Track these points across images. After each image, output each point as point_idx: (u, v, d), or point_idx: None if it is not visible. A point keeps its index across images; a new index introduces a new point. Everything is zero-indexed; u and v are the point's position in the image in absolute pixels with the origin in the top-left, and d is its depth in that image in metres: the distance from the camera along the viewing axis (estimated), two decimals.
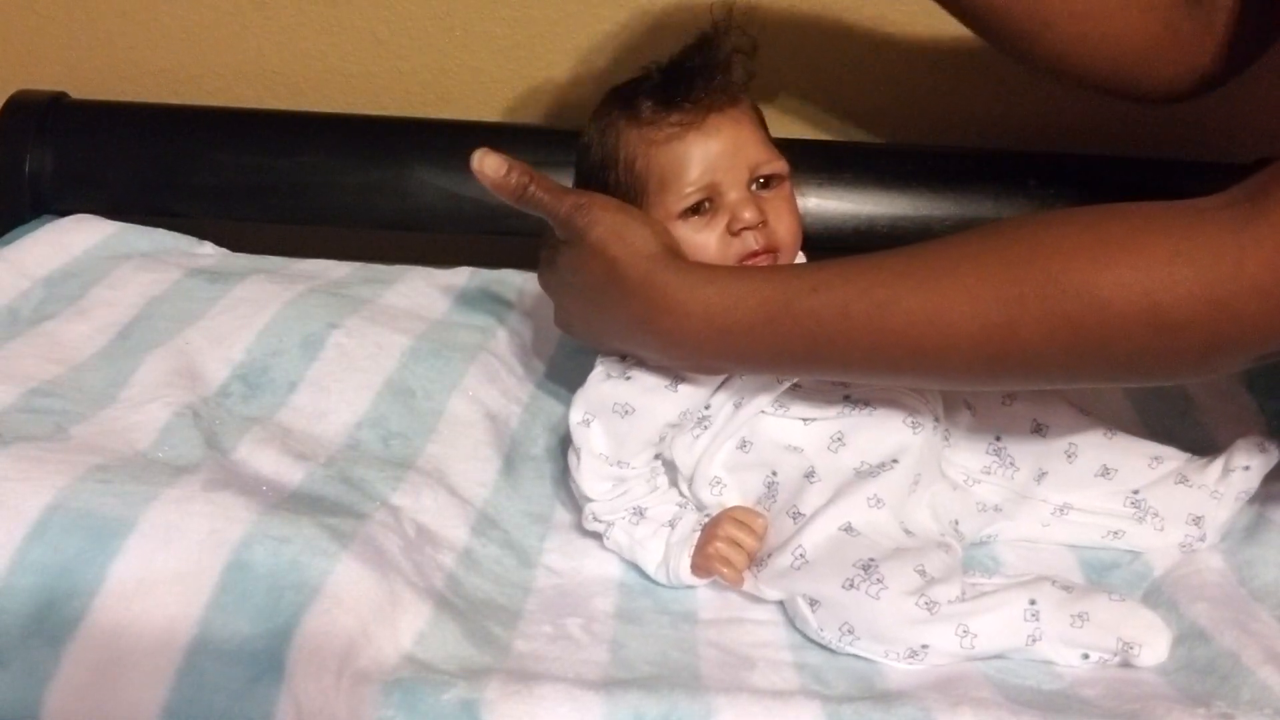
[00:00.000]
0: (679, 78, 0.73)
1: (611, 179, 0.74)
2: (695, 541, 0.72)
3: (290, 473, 0.73)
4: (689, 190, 0.72)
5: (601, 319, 0.71)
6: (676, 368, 0.71)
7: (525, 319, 0.98)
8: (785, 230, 0.74)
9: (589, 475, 0.73)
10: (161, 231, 1.07)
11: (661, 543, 0.72)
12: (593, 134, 0.76)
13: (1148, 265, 0.58)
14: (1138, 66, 0.82)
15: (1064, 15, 0.81)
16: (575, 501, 0.76)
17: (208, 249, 1.08)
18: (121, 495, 0.65)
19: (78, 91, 1.12)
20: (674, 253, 0.69)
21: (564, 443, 0.76)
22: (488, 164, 0.69)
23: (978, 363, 0.62)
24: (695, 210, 0.72)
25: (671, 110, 0.72)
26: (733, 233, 0.72)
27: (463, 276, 1.04)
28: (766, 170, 0.74)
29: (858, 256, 0.66)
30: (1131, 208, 0.61)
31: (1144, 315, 0.58)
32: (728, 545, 0.71)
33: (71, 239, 1.02)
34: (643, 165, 0.73)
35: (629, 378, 0.72)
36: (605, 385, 0.72)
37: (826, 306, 0.64)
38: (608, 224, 0.68)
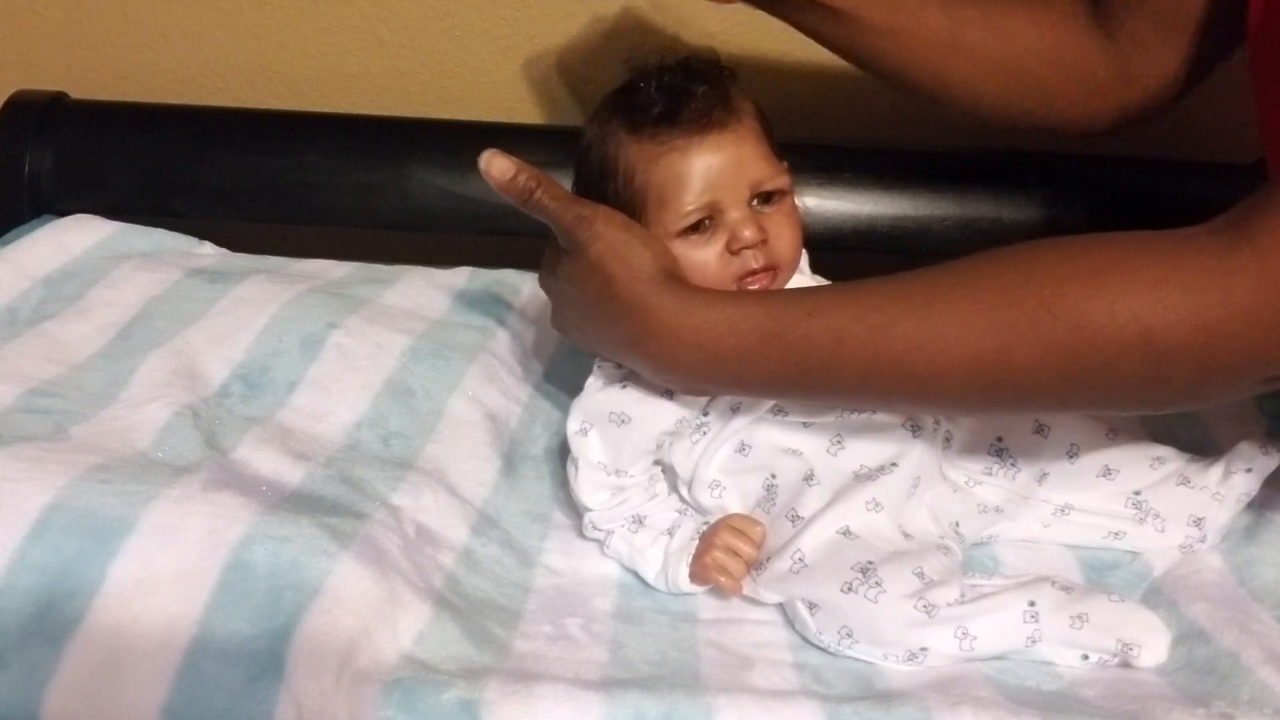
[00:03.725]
0: (680, 93, 0.71)
1: (611, 189, 0.73)
2: (694, 550, 0.72)
3: (290, 473, 0.73)
4: (689, 209, 0.71)
5: (596, 332, 0.71)
6: (668, 387, 0.70)
7: (525, 319, 0.98)
8: (786, 247, 0.73)
9: (587, 485, 0.73)
10: (161, 231, 1.07)
11: (661, 551, 0.72)
12: (592, 137, 0.75)
13: (1137, 290, 0.58)
14: (1051, 110, 0.84)
15: (964, 77, 0.83)
16: (575, 502, 0.76)
17: (208, 249, 1.08)
18: (121, 495, 0.65)
19: (78, 91, 1.12)
20: (672, 276, 0.68)
21: (564, 444, 0.76)
22: (495, 166, 0.68)
23: (971, 389, 0.62)
24: (695, 228, 0.71)
25: (673, 125, 0.71)
26: (732, 251, 0.71)
27: (463, 276, 1.04)
28: (768, 186, 0.72)
29: (853, 281, 0.66)
30: (1121, 235, 0.62)
31: (1136, 341, 0.58)
32: (725, 554, 0.71)
33: (71, 239, 1.02)
34: (642, 180, 0.72)
35: (625, 386, 0.72)
36: (601, 395, 0.72)
37: (820, 332, 0.64)
38: (608, 241, 0.68)
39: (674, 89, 0.72)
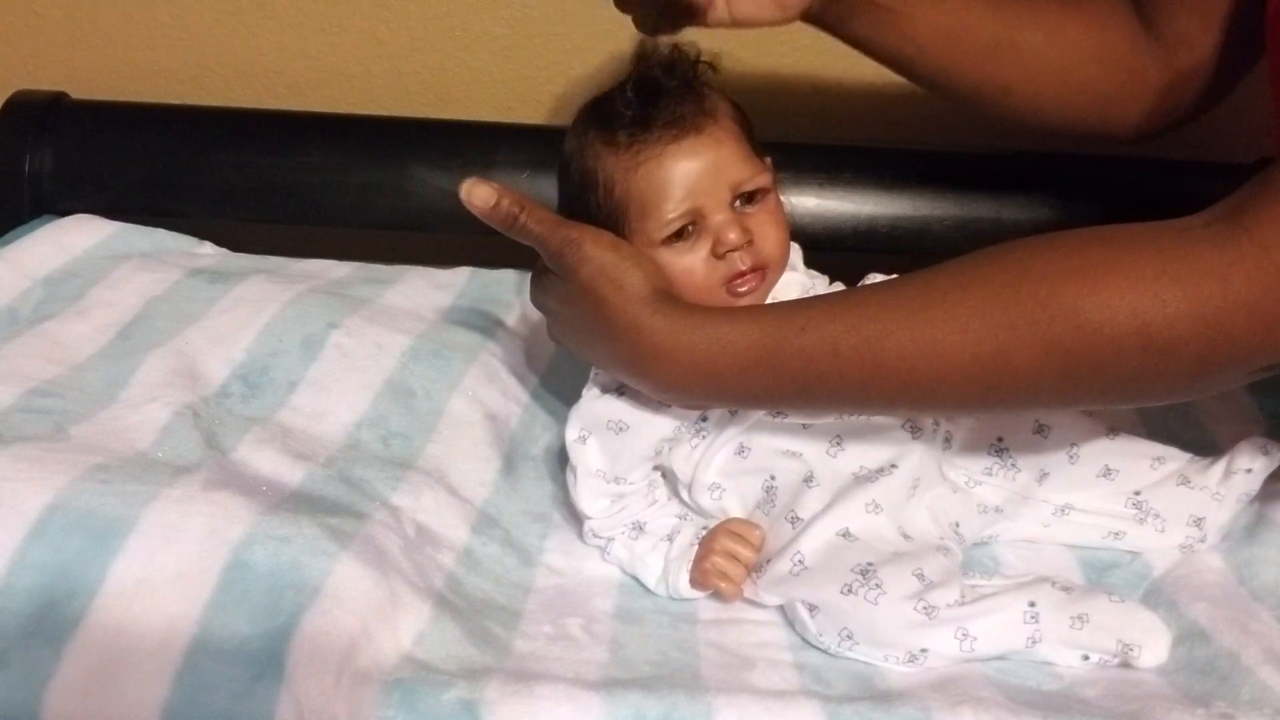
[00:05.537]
0: (652, 100, 0.71)
1: (593, 202, 0.72)
2: (693, 556, 0.71)
3: (290, 473, 0.73)
4: (670, 217, 0.70)
5: (591, 351, 0.70)
6: (667, 404, 0.70)
7: (526, 319, 0.98)
8: (772, 246, 0.72)
9: (586, 493, 0.73)
10: (161, 231, 1.07)
11: (661, 557, 0.72)
12: (571, 151, 0.74)
13: (1134, 286, 0.58)
14: (1105, 114, 0.83)
15: (1020, 81, 0.82)
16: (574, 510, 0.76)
17: (208, 249, 1.08)
18: (121, 495, 0.65)
19: (78, 91, 1.12)
20: (664, 296, 0.67)
21: (564, 444, 0.76)
22: (476, 194, 0.66)
23: (971, 392, 0.62)
24: (678, 235, 0.70)
25: (647, 133, 0.70)
26: (718, 255, 0.70)
27: (463, 276, 1.04)
28: (749, 186, 0.71)
29: (846, 291, 0.66)
30: (1115, 229, 0.62)
31: (1134, 337, 0.58)
32: (724, 559, 0.71)
33: (71, 239, 1.02)
34: (622, 191, 0.71)
35: (622, 394, 0.71)
36: (599, 402, 0.72)
37: (816, 345, 0.63)
38: (598, 264, 0.67)
39: (646, 96, 0.71)
